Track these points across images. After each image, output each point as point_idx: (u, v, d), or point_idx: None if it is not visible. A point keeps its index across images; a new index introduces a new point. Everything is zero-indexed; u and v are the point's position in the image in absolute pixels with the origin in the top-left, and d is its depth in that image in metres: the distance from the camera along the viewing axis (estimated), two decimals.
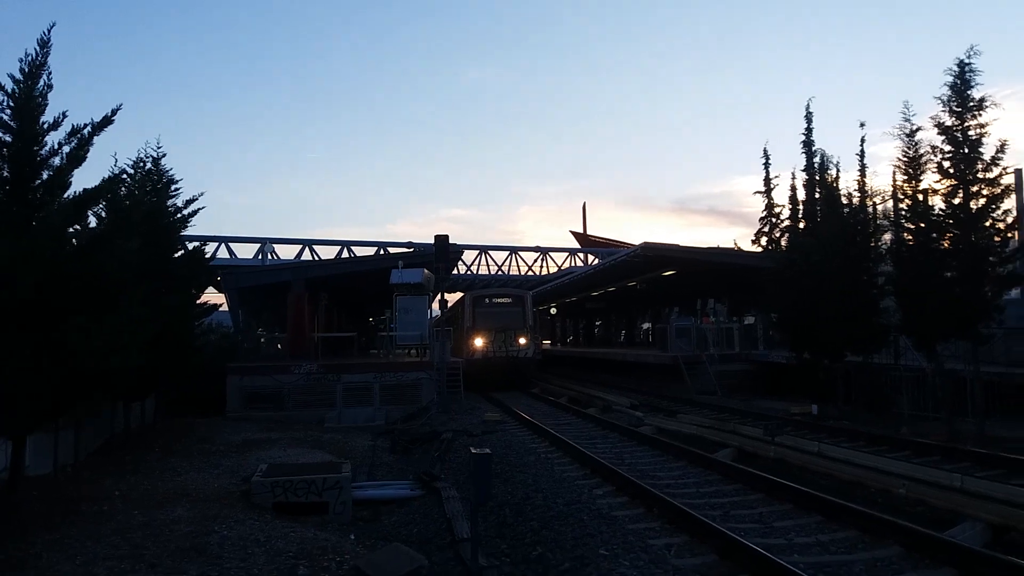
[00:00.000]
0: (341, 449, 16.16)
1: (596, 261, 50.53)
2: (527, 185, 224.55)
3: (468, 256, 48.09)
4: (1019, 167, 22.86)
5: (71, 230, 11.17)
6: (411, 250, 39.69)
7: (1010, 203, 16.79)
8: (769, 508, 10.47)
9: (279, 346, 31.66)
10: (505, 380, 31.74)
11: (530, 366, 33.40)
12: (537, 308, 34.51)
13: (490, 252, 51.86)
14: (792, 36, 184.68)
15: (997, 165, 16.19)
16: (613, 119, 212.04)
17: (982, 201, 16.31)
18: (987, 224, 16.29)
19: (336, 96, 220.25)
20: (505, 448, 15.55)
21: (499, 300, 34.05)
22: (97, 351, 9.79)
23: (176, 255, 17.88)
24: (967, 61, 16.44)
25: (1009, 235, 16.77)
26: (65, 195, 10.27)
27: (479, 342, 32.04)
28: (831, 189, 22.27)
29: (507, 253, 52.75)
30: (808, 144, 24.73)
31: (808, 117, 25.24)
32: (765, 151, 35.22)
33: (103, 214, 13.96)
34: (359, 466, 14.23)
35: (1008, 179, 16.51)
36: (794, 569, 7.21)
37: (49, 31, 9.84)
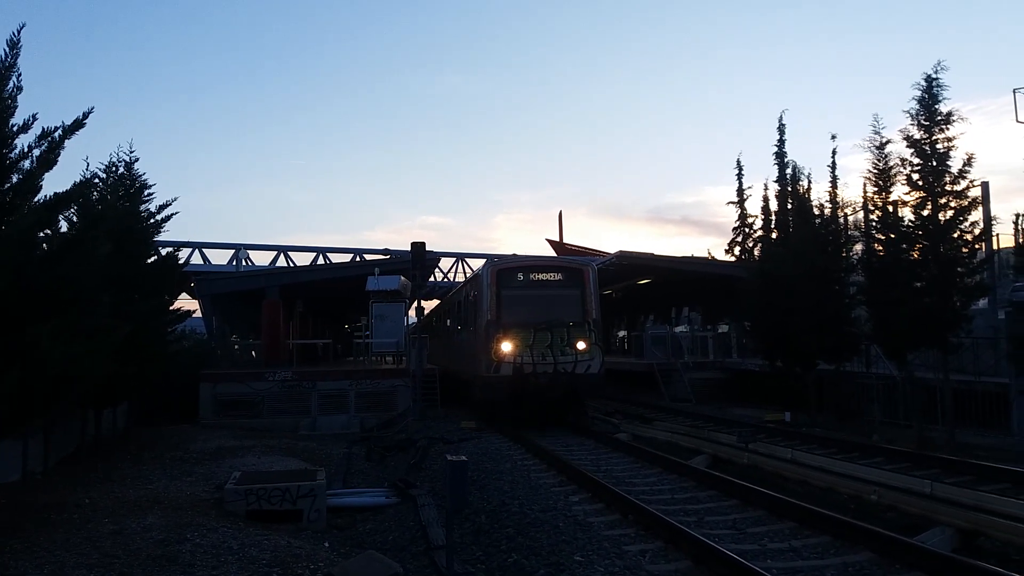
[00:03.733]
0: (316, 457, 16.05)
1: None
2: (503, 193, 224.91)
3: (445, 264, 48.04)
4: (986, 180, 23.31)
5: (41, 235, 11.04)
6: (387, 257, 39.59)
7: (977, 215, 17.12)
8: (743, 514, 10.55)
9: (253, 353, 31.38)
10: (553, 411, 20.36)
11: (593, 388, 21.03)
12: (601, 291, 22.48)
13: (467, 259, 51.88)
14: (765, 48, 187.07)
15: (964, 178, 16.49)
16: (588, 128, 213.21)
17: (950, 213, 16.60)
18: (955, 235, 16.58)
19: (311, 102, 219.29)
20: (481, 455, 15.53)
21: (542, 276, 21.00)
22: (64, 358, 9.66)
23: (148, 261, 17.71)
24: (934, 76, 16.77)
25: (977, 246, 17.10)
26: (35, 199, 10.16)
27: (507, 347, 19.59)
28: (803, 200, 22.61)
29: (484, 260, 52.75)
30: (780, 155, 25.18)
31: (781, 129, 25.70)
32: (738, 162, 35.80)
33: (74, 219, 13.82)
34: (334, 473, 14.15)
35: (975, 191, 16.83)
36: (767, 574, 7.28)
37: (19, 32, 9.74)
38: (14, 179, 9.77)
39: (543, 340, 19.71)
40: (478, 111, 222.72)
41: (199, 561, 7.79)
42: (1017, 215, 23.17)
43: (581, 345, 19.91)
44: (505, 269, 21.14)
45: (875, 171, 18.16)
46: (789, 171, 23.84)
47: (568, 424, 20.42)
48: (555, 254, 64.35)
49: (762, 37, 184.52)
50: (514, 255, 23.83)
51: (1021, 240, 22.30)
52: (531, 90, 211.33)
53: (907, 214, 17.46)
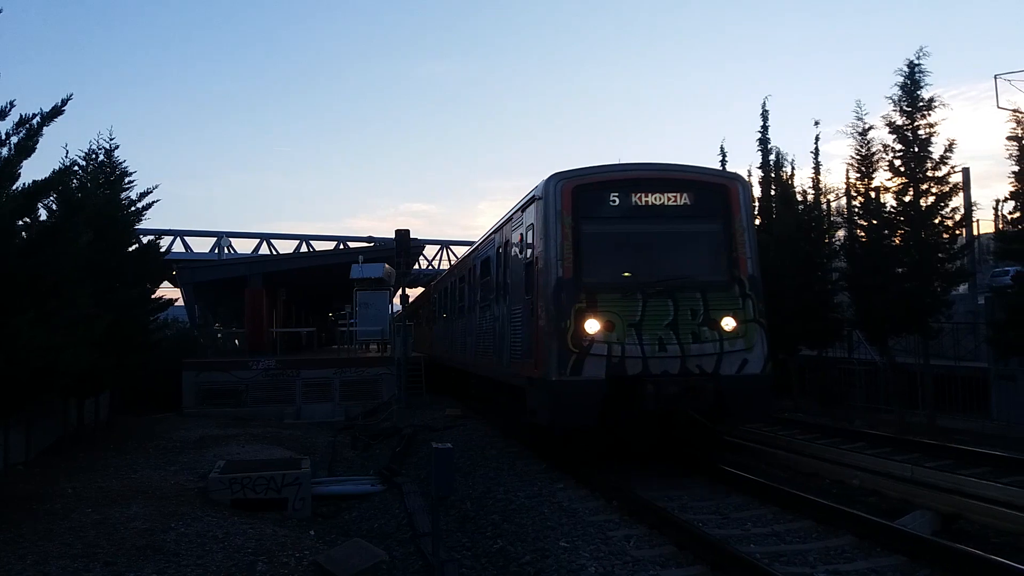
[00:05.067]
0: (301, 445, 16.02)
1: None
2: (486, 180, 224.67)
3: (429, 251, 48.00)
4: (966, 166, 23.58)
5: (20, 223, 10.92)
6: (371, 244, 39.50)
7: (958, 201, 17.30)
8: (727, 500, 10.62)
9: (237, 342, 31.23)
10: (680, 438, 11.88)
11: (754, 403, 11.31)
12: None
13: (451, 247, 51.86)
14: (749, 35, 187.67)
15: (945, 164, 16.62)
16: (570, 115, 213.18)
17: (931, 199, 16.72)
18: (936, 221, 16.72)
19: (294, 89, 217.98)
20: (466, 442, 15.52)
21: (653, 198, 11.31)
22: (46, 348, 9.57)
23: (130, 249, 17.56)
24: (917, 62, 16.84)
25: (957, 232, 17.25)
26: (14, 187, 10.04)
27: (593, 327, 10.64)
28: (786, 186, 22.66)
29: (469, 248, 52.78)
30: (764, 142, 25.12)
31: (764, 115, 25.62)
32: (722, 148, 35.47)
33: (54, 207, 13.66)
34: (319, 462, 14.13)
35: (956, 177, 16.97)
36: (750, 558, 7.35)
37: None
38: None
39: (660, 315, 10.91)
40: (460, 98, 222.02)
41: (184, 550, 7.77)
42: (997, 201, 23.37)
43: (729, 323, 11.06)
44: (587, 185, 11.42)
45: (858, 157, 18.24)
46: (772, 157, 23.83)
47: (704, 468, 11.94)
48: None
49: (746, 23, 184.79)
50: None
51: (1001, 226, 22.51)
52: (514, 77, 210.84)
53: (889, 200, 17.59)
